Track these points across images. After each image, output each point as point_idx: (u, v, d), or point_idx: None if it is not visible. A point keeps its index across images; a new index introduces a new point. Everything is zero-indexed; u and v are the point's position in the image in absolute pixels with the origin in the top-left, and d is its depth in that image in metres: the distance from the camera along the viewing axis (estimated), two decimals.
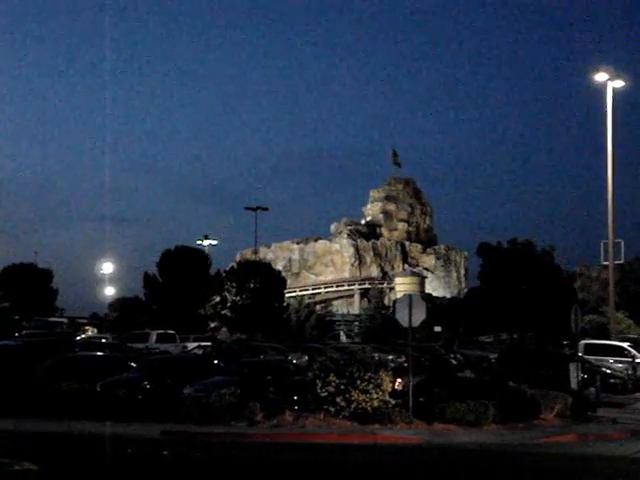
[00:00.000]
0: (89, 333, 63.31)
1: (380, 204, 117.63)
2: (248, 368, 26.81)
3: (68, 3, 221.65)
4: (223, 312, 63.96)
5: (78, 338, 48.59)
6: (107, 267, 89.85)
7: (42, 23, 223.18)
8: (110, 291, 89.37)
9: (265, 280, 63.70)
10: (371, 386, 22.60)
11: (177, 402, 23.21)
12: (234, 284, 63.45)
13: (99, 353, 32.93)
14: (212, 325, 66.16)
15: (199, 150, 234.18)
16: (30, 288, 66.66)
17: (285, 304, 69.73)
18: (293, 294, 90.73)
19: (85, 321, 78.73)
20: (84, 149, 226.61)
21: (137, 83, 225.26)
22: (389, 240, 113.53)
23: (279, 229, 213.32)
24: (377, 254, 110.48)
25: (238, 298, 62.86)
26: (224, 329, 65.80)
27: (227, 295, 63.52)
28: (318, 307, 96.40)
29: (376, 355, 34.50)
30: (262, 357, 35.75)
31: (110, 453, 17.83)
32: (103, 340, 46.96)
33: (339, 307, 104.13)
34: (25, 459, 15.27)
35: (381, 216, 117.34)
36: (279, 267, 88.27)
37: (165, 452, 18.14)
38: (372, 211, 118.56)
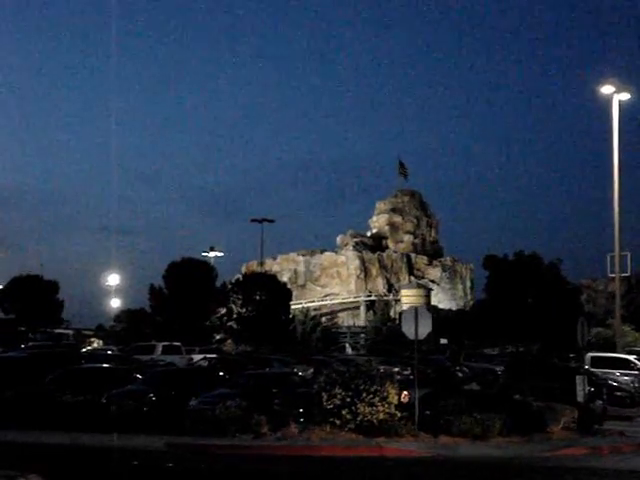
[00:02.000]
0: (95, 345, 63.43)
1: (386, 216, 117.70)
2: (253, 380, 26.73)
3: (78, 16, 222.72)
4: (229, 324, 63.97)
5: (84, 350, 48.63)
6: (113, 279, 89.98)
7: (52, 35, 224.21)
8: (116, 303, 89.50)
9: (271, 292, 63.69)
10: (377, 399, 22.52)
11: (182, 414, 23.17)
12: (240, 296, 63.45)
13: (105, 365, 32.91)
14: (218, 337, 66.17)
15: (205, 162, 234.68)
16: (36, 300, 66.77)
17: (291, 316, 69.68)
18: (299, 306, 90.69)
19: (91, 333, 78.93)
20: (90, 161, 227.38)
21: (144, 95, 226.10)
22: (395, 252, 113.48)
23: (285, 241, 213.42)
24: (383, 266, 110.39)
25: (244, 310, 62.85)
26: (230, 341, 65.79)
27: (233, 307, 63.54)
28: (324, 319, 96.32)
29: (382, 367, 34.33)
30: (267, 369, 35.66)
31: (115, 465, 17.80)
32: (108, 352, 46.96)
33: (345, 319, 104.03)
34: (31, 471, 15.27)
35: (387, 228, 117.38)
36: (285, 279, 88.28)
37: (170, 464, 18.10)
38: (378, 223, 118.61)
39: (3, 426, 23.19)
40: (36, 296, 66.96)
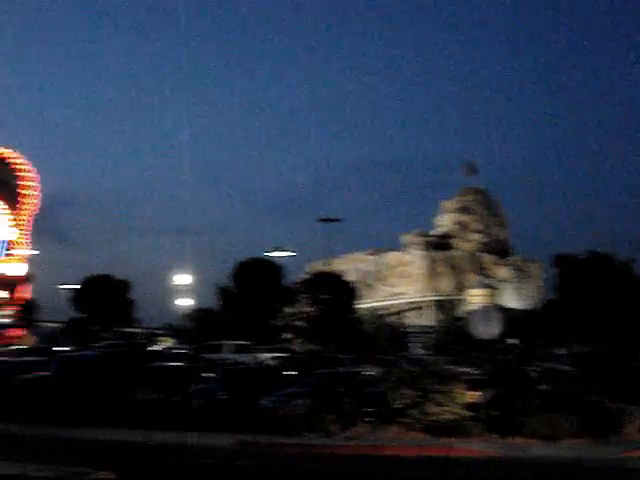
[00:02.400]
0: (166, 344, 64.30)
1: (453, 215, 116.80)
2: (322, 379, 26.83)
3: (146, 23, 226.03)
4: (296, 323, 64.24)
5: (154, 348, 49.33)
6: (182, 278, 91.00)
7: (117, 42, 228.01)
8: (185, 302, 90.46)
9: (337, 291, 63.76)
10: (445, 398, 22.41)
11: (253, 413, 23.37)
12: (307, 295, 63.70)
13: (177, 364, 33.34)
14: (285, 336, 66.47)
15: (273, 162, 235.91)
16: (108, 299, 67.92)
17: (358, 315, 69.63)
18: (366, 305, 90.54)
19: (161, 332, 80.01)
20: (160, 162, 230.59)
21: (212, 96, 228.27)
22: (462, 251, 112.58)
23: (351, 240, 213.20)
24: (450, 265, 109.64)
25: (311, 309, 63.07)
26: (297, 340, 66.03)
27: (300, 306, 63.80)
28: (391, 318, 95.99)
29: (450, 367, 34.13)
30: (336, 368, 35.72)
31: (186, 463, 18.02)
32: (179, 351, 47.54)
33: (412, 319, 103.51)
34: (103, 468, 15.58)
35: (454, 227, 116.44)
36: (351, 278, 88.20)
37: (241, 462, 18.26)
38: (445, 222, 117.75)
39: (78, 424, 23.68)
40: (108, 296, 68.16)
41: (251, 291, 60.91)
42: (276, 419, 22.59)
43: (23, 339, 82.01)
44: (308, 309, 63.38)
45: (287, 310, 64.07)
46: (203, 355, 43.91)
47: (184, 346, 55.40)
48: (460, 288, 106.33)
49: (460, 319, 79.38)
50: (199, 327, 68.36)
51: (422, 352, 71.95)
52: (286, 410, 22.70)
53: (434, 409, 22.25)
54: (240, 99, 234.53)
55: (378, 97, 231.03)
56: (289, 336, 66.41)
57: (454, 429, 22.02)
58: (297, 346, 63.65)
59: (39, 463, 17.30)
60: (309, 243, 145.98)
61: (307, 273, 78.91)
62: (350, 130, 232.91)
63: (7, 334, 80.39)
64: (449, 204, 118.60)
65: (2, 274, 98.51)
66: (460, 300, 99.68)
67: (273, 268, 65.60)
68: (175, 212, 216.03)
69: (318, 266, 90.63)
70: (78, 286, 73.08)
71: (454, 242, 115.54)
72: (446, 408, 22.33)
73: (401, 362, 40.27)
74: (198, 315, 72.83)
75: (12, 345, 61.70)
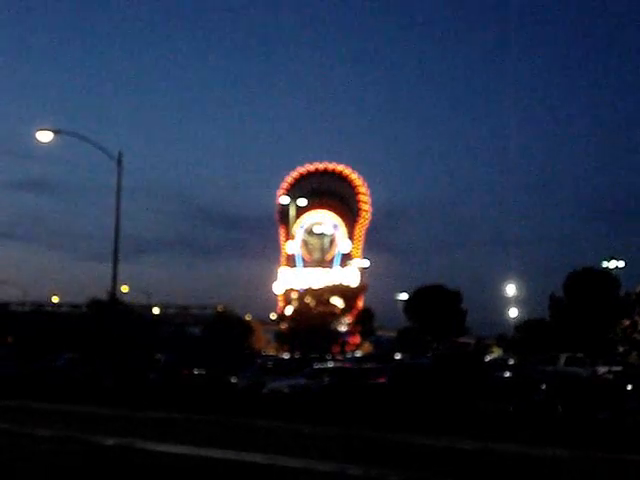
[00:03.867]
0: (495, 354, 64.48)
1: None
2: None
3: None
4: (633, 336, 61.57)
5: (487, 358, 49.62)
6: (511, 289, 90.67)
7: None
8: (514, 312, 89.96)
9: None
10: None
11: (590, 427, 22.87)
12: None
13: (508, 374, 33.43)
14: (621, 349, 63.92)
15: (604, 168, 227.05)
16: (440, 309, 69.30)
17: None
18: None
19: (491, 342, 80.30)
20: (488, 173, 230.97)
21: (543, 100, 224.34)
22: None
23: None
24: None
25: None
26: (635, 353, 63.24)
27: (637, 319, 61.09)
28: None
29: None
30: None
31: (522, 474, 18.06)
32: (511, 361, 47.51)
33: None
34: (445, 476, 16.13)
35: None
36: None
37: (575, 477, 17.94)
38: None
39: (411, 429, 24.53)
40: (440, 306, 69.56)
41: (584, 302, 59.28)
42: (615, 434, 21.90)
43: (360, 347, 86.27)
44: None
45: (624, 322, 61.59)
46: (538, 366, 43.53)
47: (514, 356, 55.24)
48: None
49: None
50: (528, 338, 67.72)
51: None
52: (627, 425, 21.96)
53: None
54: (572, 105, 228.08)
55: None
56: (624, 349, 63.80)
57: None
58: (634, 359, 60.96)
59: (383, 467, 18.29)
60: None
61: None
62: None
63: (348, 341, 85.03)
64: None
65: (339, 284, 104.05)
66: None
67: (607, 278, 63.40)
68: (504, 222, 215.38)
69: None
70: (406, 296, 75.47)
71: None
72: None
73: None
74: (526, 325, 72.21)
75: (351, 352, 65.10)
